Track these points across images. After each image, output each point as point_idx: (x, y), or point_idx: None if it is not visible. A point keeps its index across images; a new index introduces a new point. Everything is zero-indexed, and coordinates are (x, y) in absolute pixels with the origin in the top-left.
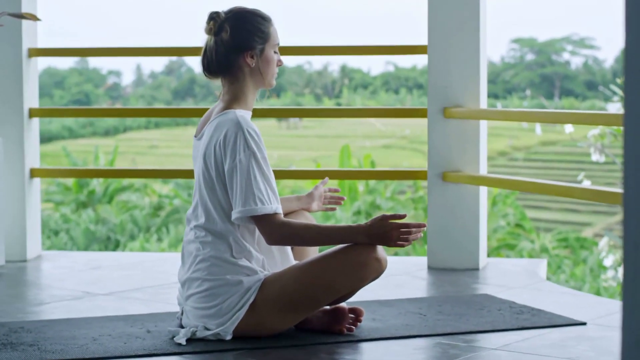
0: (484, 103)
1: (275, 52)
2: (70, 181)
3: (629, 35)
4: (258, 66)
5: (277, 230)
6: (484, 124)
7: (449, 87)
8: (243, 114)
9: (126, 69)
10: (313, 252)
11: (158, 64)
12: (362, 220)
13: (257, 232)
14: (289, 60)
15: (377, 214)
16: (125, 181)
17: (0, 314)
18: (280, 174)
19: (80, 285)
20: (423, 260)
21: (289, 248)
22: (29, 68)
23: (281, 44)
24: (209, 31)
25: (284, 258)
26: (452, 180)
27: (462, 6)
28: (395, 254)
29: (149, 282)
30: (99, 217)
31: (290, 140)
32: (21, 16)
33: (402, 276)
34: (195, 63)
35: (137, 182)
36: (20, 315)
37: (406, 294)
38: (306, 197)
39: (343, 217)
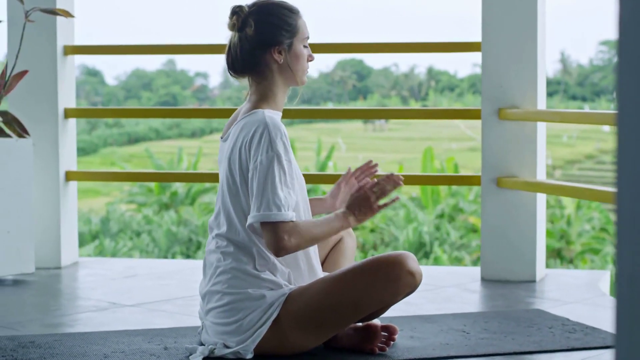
0: (542, 104)
1: (305, 47)
2: (152, 183)
3: (621, 31)
4: (287, 62)
5: (290, 238)
6: (542, 127)
7: (504, 86)
8: (272, 114)
9: (213, 71)
10: (348, 263)
11: None
12: (445, 224)
13: None
14: (375, 62)
15: (459, 217)
16: (208, 183)
17: (15, 326)
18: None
19: (108, 295)
20: (476, 271)
21: (316, 260)
22: (65, 66)
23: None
24: (232, 27)
25: (311, 271)
26: (507, 186)
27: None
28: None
29: (181, 292)
30: (181, 218)
31: (376, 143)
32: (53, 12)
33: (452, 288)
34: None
35: None
36: (35, 328)
37: (453, 308)
38: (330, 198)
39: (426, 220)
